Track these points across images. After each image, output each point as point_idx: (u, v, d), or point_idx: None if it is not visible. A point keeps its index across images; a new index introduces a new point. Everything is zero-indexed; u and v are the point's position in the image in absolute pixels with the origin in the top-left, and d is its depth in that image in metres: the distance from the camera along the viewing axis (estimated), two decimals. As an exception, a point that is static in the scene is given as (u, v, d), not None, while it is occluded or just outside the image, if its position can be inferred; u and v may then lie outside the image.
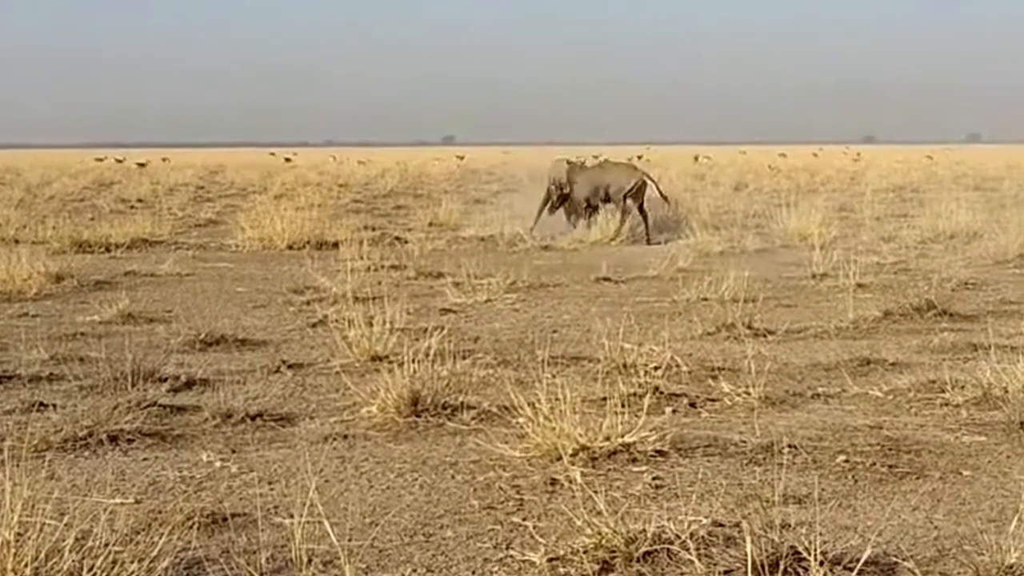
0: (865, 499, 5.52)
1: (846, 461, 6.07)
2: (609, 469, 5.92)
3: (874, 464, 6.03)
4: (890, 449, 6.31)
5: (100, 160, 72.97)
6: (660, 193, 19.48)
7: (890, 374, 8.18)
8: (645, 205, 19.55)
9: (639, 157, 46.99)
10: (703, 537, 4.79)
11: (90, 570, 4.27)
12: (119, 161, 67.29)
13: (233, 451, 6.36)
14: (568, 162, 20.30)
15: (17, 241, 17.59)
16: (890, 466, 6.01)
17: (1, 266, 12.72)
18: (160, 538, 4.54)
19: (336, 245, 17.02)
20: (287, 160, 77.03)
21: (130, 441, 6.48)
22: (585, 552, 4.70)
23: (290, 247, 17.65)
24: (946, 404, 7.27)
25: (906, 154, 75.63)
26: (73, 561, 4.30)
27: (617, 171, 19.87)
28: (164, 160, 65.90)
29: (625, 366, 8.00)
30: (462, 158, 75.77)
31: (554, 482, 5.73)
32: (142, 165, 61.23)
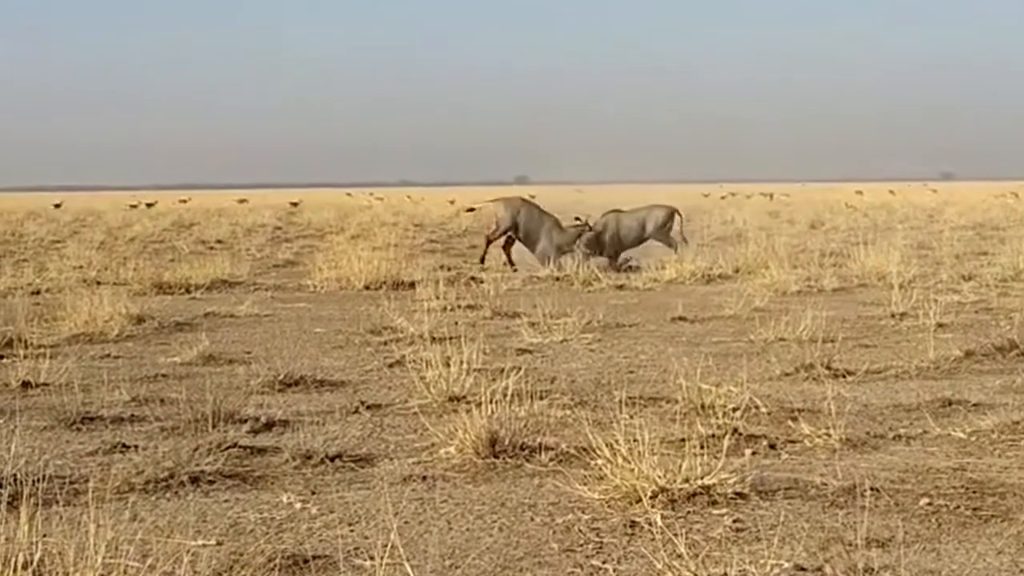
0: (949, 543, 5.45)
1: (929, 504, 6.00)
2: (689, 511, 5.89)
3: (958, 507, 5.95)
4: (974, 492, 6.22)
5: (184, 201, 74.17)
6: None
7: (973, 415, 8.06)
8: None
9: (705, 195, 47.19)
10: (785, 581, 4.75)
11: (174, 612, 4.31)
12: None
13: (313, 492, 6.39)
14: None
15: (99, 283, 17.78)
16: (974, 509, 5.93)
17: (83, 308, 12.88)
18: (242, 580, 4.57)
19: (412, 285, 17.11)
20: (372, 196, 78.28)
21: (211, 482, 6.52)
22: (666, 596, 4.68)
23: (367, 287, 17.73)
24: (1031, 446, 7.17)
25: (986, 191, 74.77)
26: (157, 603, 4.34)
27: None
28: (241, 201, 66.89)
29: (703, 407, 7.96)
30: (534, 197, 76.09)
31: (634, 524, 5.70)
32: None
